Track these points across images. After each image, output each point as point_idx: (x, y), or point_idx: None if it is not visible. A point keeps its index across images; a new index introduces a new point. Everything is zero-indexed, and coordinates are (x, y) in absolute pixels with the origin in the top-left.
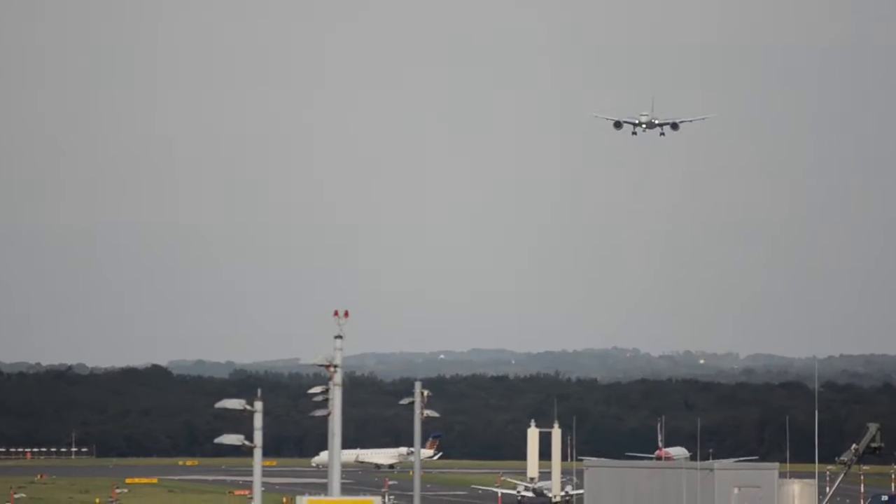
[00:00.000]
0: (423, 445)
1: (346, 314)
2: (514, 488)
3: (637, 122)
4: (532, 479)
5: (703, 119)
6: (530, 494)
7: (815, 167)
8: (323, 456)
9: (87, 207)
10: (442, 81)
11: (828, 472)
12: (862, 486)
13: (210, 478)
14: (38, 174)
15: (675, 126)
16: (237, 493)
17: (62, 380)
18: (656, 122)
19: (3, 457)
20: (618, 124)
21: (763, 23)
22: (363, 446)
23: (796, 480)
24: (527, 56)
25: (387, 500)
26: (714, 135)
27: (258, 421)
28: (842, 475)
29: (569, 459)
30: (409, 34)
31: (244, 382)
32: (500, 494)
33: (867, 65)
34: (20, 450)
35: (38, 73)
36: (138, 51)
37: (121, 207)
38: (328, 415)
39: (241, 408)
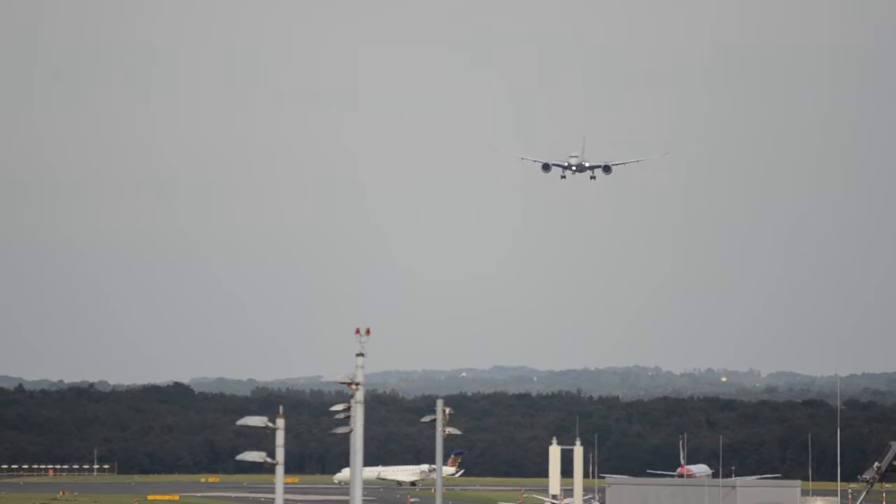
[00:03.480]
0: (444, 463)
1: (368, 332)
2: None
3: (566, 164)
4: (554, 496)
5: (638, 161)
6: None
7: (835, 187)
8: (345, 473)
9: (109, 227)
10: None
11: (850, 491)
12: None
13: (232, 495)
14: (63, 192)
15: (607, 169)
16: None
17: (84, 397)
18: (587, 164)
19: (25, 473)
20: (546, 167)
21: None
22: (385, 463)
23: (819, 498)
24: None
25: None
26: (723, 151)
27: (280, 438)
28: (864, 493)
29: (591, 477)
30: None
31: (266, 400)
32: None
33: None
34: (43, 466)
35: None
36: (159, 63)
37: (143, 227)
38: (350, 432)
39: (262, 425)
